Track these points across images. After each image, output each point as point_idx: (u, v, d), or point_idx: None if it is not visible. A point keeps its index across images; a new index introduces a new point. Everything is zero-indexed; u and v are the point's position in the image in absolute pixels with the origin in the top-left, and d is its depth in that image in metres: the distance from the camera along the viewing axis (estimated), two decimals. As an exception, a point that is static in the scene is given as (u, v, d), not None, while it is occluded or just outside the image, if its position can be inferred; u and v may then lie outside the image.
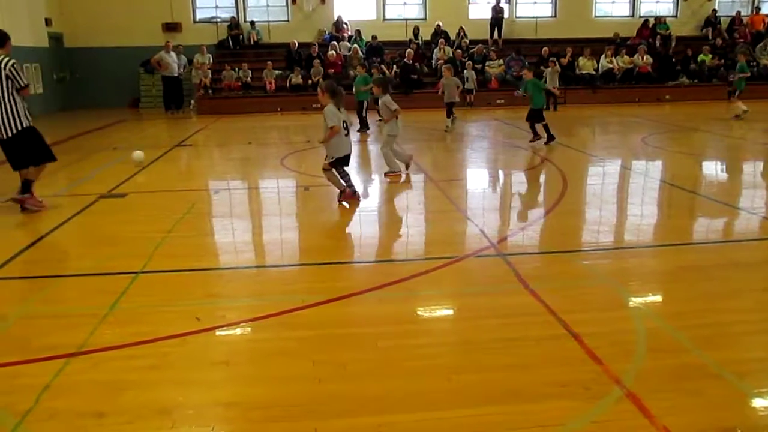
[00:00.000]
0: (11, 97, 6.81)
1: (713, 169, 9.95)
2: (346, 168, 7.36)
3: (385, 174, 8.68)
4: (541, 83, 11.71)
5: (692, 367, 3.42)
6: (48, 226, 6.41)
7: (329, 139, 7.07)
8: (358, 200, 7.35)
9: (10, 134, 6.87)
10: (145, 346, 3.73)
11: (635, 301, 4.39)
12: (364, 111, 13.04)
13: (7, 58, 6.83)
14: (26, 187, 7.11)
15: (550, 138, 11.27)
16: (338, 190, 7.28)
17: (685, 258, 5.39)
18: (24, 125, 6.93)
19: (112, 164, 10.19)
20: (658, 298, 4.62)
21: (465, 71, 18.27)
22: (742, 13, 22.75)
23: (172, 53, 18.49)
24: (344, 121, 7.15)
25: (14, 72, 6.80)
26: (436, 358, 3.58)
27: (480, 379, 3.34)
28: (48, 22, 19.26)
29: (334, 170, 7.24)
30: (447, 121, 13.67)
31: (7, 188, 8.28)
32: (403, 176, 8.63)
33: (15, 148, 7.00)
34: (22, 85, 6.87)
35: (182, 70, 18.83)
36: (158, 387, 3.31)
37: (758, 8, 22.96)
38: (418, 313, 4.34)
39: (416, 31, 20.94)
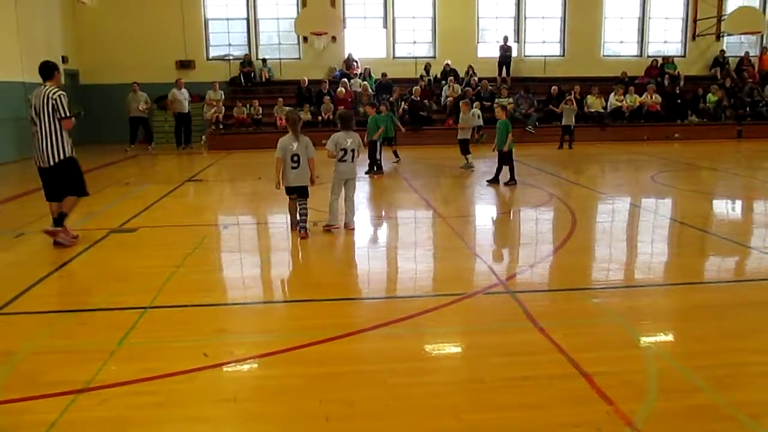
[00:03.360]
0: (55, 127, 6.95)
1: (724, 208, 9.91)
2: (304, 199, 7.35)
3: (325, 227, 7.71)
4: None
5: (705, 408, 3.37)
6: (58, 260, 6.44)
7: (277, 168, 7.24)
8: (302, 237, 7.28)
9: (51, 163, 6.99)
10: (152, 383, 3.72)
11: (646, 340, 4.34)
12: (377, 153, 12.97)
13: (54, 89, 6.98)
14: (60, 220, 7.10)
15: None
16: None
17: (697, 297, 5.35)
18: (65, 155, 7.05)
19: (123, 199, 10.27)
20: (670, 338, 4.57)
21: (473, 109, 18.38)
22: (750, 54, 22.90)
23: (184, 90, 18.81)
24: (294, 154, 7.14)
25: (58, 102, 6.91)
26: (445, 396, 3.55)
27: (490, 418, 3.30)
28: (64, 59, 19.60)
29: (290, 199, 7.53)
30: (466, 158, 13.62)
31: (20, 222, 8.36)
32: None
33: (53, 178, 7.09)
34: (63, 115, 6.94)
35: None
36: (165, 424, 3.30)
37: (766, 48, 23.09)
38: (427, 350, 4.31)
39: (428, 68, 21.21)
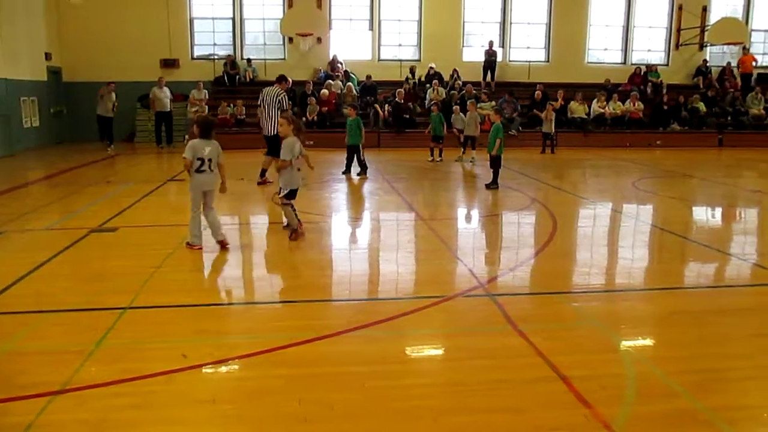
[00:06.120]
0: (275, 114, 11.12)
1: (704, 215, 10.02)
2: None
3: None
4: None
5: (682, 412, 3.41)
6: (37, 260, 6.37)
7: (281, 169, 7.35)
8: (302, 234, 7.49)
9: (270, 134, 11.25)
10: (130, 384, 3.69)
11: (625, 344, 4.38)
12: (361, 154, 12.95)
13: (281, 91, 11.48)
14: (264, 172, 11.64)
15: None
16: (291, 228, 7.47)
17: (676, 302, 5.40)
18: (277, 131, 9.59)
19: (104, 198, 10.17)
20: (649, 342, 4.62)
21: (453, 115, 18.16)
22: (732, 64, 23.15)
23: (165, 89, 18.65)
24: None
25: (283, 101, 11.36)
26: (424, 399, 3.55)
27: (468, 421, 3.31)
28: (48, 56, 19.40)
29: (292, 205, 7.44)
30: (470, 153, 15.42)
31: (0, 221, 8.27)
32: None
33: (272, 142, 11.05)
34: (284, 109, 11.19)
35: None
36: (143, 426, 3.27)
37: (747, 50, 22.96)
38: (406, 352, 4.32)
39: (413, 70, 21.22)
